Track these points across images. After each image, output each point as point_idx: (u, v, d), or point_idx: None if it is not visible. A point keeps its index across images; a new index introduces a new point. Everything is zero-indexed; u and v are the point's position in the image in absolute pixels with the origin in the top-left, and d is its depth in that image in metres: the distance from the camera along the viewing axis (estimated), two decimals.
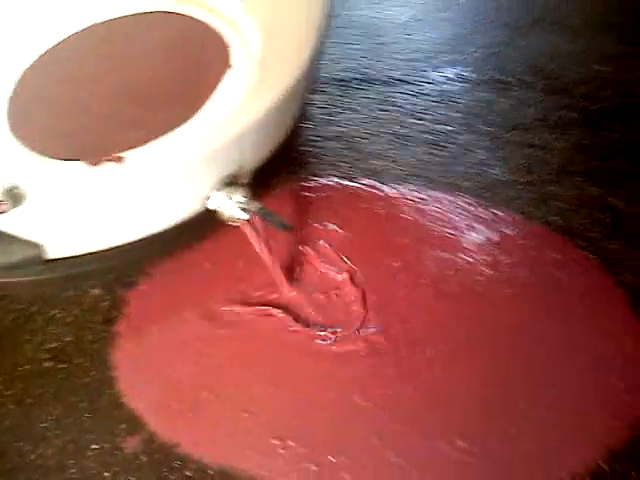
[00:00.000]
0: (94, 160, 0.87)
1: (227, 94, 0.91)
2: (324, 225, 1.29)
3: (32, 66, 0.73)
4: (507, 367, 1.09)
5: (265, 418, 1.03)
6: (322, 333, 1.13)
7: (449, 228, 1.30)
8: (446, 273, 1.22)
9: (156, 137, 0.90)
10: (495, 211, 1.33)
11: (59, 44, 0.72)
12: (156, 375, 1.09)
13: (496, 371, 1.09)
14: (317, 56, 1.19)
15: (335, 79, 1.58)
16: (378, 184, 1.37)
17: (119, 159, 0.89)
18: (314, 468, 0.97)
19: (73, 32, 0.72)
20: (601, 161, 1.46)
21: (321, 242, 1.26)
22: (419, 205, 1.34)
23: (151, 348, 1.13)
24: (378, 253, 1.25)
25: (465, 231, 1.30)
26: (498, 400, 1.05)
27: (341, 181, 1.37)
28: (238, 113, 0.96)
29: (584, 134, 1.52)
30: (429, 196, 1.36)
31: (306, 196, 1.34)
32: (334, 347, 1.11)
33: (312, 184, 1.36)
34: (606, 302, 1.19)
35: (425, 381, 1.07)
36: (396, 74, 1.61)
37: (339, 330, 1.13)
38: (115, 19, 0.73)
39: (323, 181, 1.37)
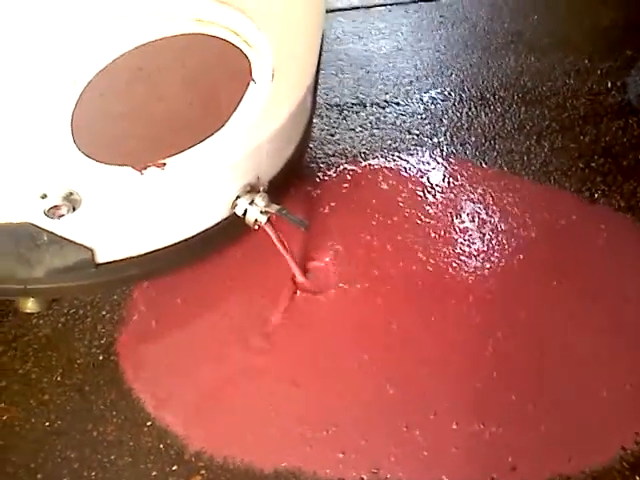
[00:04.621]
0: (141, 166, 1.01)
1: (249, 106, 1.06)
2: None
3: (90, 83, 0.87)
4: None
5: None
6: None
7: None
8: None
9: (192, 145, 1.04)
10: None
11: (110, 64, 0.87)
12: (184, 378, 1.21)
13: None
14: (317, 76, 1.36)
15: (332, 104, 1.75)
16: (377, 187, 1.53)
17: (161, 165, 1.04)
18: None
19: (120, 54, 0.86)
20: (576, 160, 1.63)
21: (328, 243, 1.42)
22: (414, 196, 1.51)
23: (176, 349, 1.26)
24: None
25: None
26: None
27: (343, 187, 1.53)
28: (257, 124, 1.12)
29: (557, 139, 1.69)
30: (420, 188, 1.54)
31: (313, 198, 1.51)
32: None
33: (318, 190, 1.53)
34: None
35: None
36: (386, 97, 1.78)
37: None
38: (155, 41, 0.88)
39: (328, 188, 1.53)
